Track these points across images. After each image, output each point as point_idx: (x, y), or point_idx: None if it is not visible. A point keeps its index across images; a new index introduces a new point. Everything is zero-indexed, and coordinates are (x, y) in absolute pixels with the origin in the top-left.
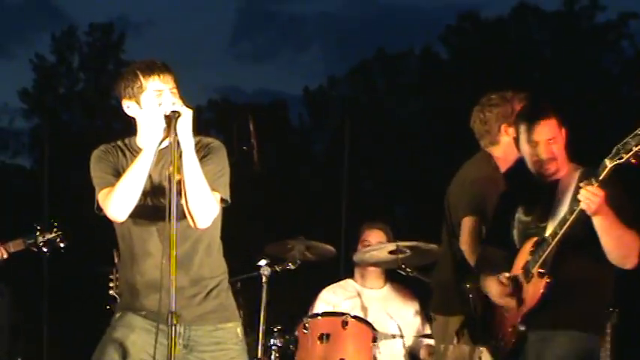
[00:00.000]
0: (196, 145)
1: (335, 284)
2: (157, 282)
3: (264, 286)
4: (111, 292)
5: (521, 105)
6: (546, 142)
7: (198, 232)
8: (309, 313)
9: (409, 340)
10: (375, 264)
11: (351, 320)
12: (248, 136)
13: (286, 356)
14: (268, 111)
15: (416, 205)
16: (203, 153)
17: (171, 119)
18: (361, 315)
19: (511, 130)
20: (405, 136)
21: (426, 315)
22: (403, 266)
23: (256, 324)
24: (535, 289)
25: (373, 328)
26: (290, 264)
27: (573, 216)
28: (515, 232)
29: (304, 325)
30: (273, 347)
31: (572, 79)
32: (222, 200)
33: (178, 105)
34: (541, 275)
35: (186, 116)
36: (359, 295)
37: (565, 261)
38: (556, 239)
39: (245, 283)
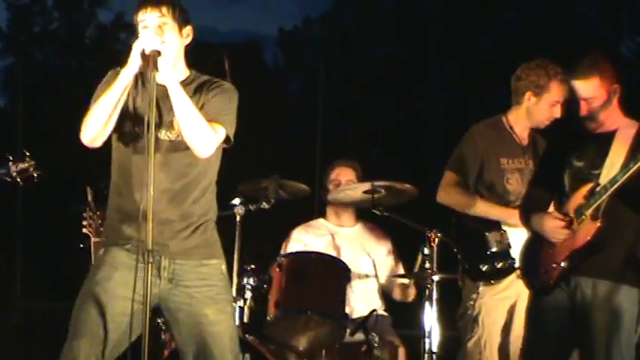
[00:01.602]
0: (207, 83)
1: (306, 224)
2: (147, 212)
3: (238, 225)
4: (84, 230)
5: (556, 81)
6: (582, 101)
7: (200, 169)
8: (282, 253)
9: (382, 280)
10: (349, 203)
11: (324, 259)
12: (223, 75)
13: (260, 295)
14: (243, 51)
15: (390, 149)
16: (213, 92)
17: (149, 57)
18: (334, 254)
19: (534, 100)
20: (380, 79)
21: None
22: (378, 206)
23: (230, 264)
24: (585, 231)
25: (346, 268)
26: (264, 203)
27: (638, 165)
28: (566, 176)
29: (278, 265)
30: (247, 287)
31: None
32: (226, 139)
33: (158, 43)
34: (593, 218)
35: (167, 55)
36: (331, 234)
37: (619, 209)
38: (616, 186)
39: (218, 223)
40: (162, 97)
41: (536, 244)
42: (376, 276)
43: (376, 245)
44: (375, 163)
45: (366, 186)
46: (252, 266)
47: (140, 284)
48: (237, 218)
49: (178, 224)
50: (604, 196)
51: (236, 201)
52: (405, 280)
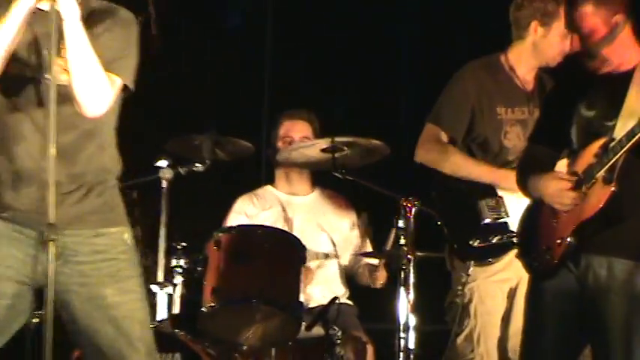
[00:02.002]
0: (98, 11)
1: (251, 192)
2: (29, 173)
3: (165, 193)
4: None
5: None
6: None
7: (89, 122)
8: (222, 227)
9: (345, 260)
10: (304, 165)
11: (272, 235)
12: (144, 2)
13: (193, 280)
14: None
15: (357, 98)
16: (106, 24)
17: None
18: (285, 228)
19: (541, 31)
20: (344, 10)
21: None
22: (339, 168)
23: (155, 241)
24: (596, 198)
25: (300, 245)
26: (197, 165)
27: None
28: (574, 130)
29: (215, 242)
30: (177, 269)
31: None
32: (124, 88)
33: None
34: (606, 181)
35: None
36: (282, 204)
37: (638, 170)
38: (634, 140)
39: (142, 192)
40: (49, 32)
41: (537, 213)
42: (337, 255)
43: (337, 217)
44: (337, 116)
45: (325, 143)
46: (184, 244)
47: (20, 261)
48: (164, 184)
49: (67, 186)
50: (619, 154)
51: (162, 163)
52: (374, 261)
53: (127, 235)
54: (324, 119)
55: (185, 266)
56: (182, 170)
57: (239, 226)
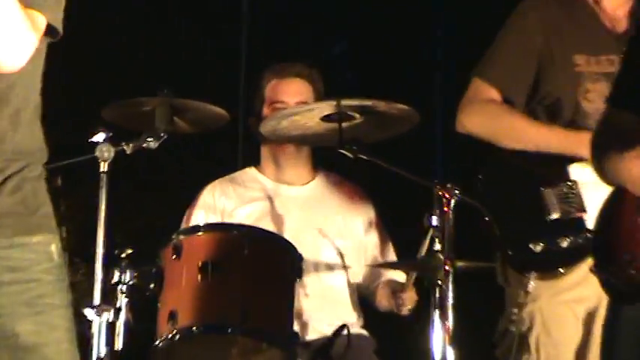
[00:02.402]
0: None
1: (226, 177)
2: None
3: (104, 178)
4: None
5: None
6: None
7: (8, 83)
8: (183, 228)
9: (359, 275)
10: (299, 139)
11: (255, 239)
12: None
13: (143, 301)
14: None
15: (362, 42)
16: None
17: None
18: (273, 229)
19: None
20: None
21: None
22: (349, 144)
23: (87, 245)
24: None
25: (295, 253)
26: (148, 139)
27: None
28: None
29: (174, 248)
30: (121, 286)
31: None
32: (49, 30)
33: None
34: None
35: None
36: (269, 195)
37: None
38: None
39: (70, 177)
40: None
41: (619, 207)
42: (346, 267)
43: (347, 214)
44: (344, 73)
45: (329, 107)
46: (129, 251)
47: None
48: (102, 167)
49: None
50: None
51: (98, 137)
52: (399, 275)
53: (55, 247)
54: (327, 78)
55: (132, 282)
56: (127, 147)
57: (207, 225)
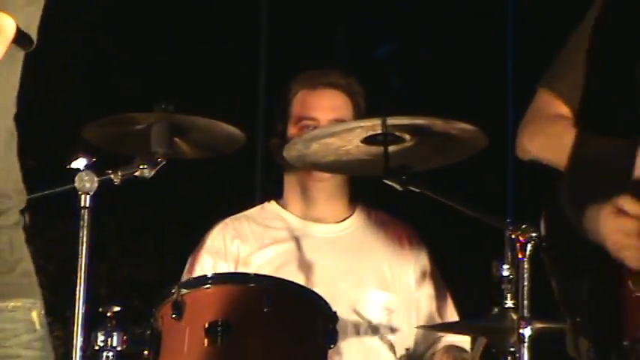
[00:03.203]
0: None
1: (240, 215)
2: None
3: (84, 216)
4: None
5: None
6: None
7: None
8: (186, 279)
9: (408, 337)
10: (333, 167)
11: (277, 291)
12: None
13: None
14: None
15: (414, 43)
16: None
17: None
18: (300, 280)
19: None
20: None
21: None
22: (396, 173)
23: (70, 302)
24: None
25: (330, 312)
26: (142, 166)
27: None
28: None
29: (173, 306)
30: (108, 353)
31: None
32: (20, 36)
33: None
34: None
35: None
36: (294, 236)
37: None
38: None
39: (42, 213)
40: None
41: (611, 280)
42: (393, 329)
43: (395, 260)
44: (390, 85)
45: (372, 127)
46: (117, 309)
47: None
48: (83, 200)
49: None
50: None
51: (79, 163)
52: (461, 339)
53: (37, 315)
54: (370, 89)
55: (120, 348)
56: (115, 176)
57: (216, 275)
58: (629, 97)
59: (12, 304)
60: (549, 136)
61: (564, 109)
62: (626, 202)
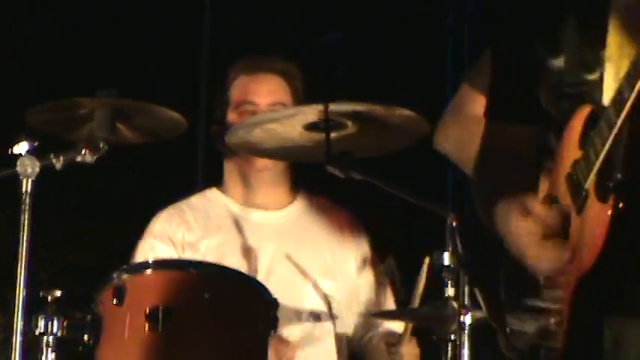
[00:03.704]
0: None
1: (182, 202)
2: None
3: (26, 201)
4: None
5: None
6: None
7: None
8: (129, 264)
9: (348, 324)
10: (275, 153)
11: (219, 278)
12: None
13: (75, 356)
14: None
15: (358, 30)
16: None
17: None
18: (243, 268)
19: None
20: None
21: None
22: (338, 159)
23: (8, 289)
24: (594, 224)
25: (270, 299)
26: (84, 152)
27: None
28: (543, 94)
29: (115, 291)
30: (48, 338)
31: None
32: None
33: None
34: (601, 196)
35: None
36: (236, 223)
37: None
38: (627, 106)
39: None
40: None
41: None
42: (334, 317)
43: (336, 247)
44: (332, 70)
45: (314, 113)
46: (58, 294)
47: None
48: (24, 185)
49: None
50: (610, 137)
51: (21, 147)
52: (396, 326)
53: None
54: (313, 75)
55: (61, 334)
56: (57, 161)
57: (157, 261)
58: (530, 83)
59: None
60: (463, 138)
61: (483, 102)
62: (532, 203)
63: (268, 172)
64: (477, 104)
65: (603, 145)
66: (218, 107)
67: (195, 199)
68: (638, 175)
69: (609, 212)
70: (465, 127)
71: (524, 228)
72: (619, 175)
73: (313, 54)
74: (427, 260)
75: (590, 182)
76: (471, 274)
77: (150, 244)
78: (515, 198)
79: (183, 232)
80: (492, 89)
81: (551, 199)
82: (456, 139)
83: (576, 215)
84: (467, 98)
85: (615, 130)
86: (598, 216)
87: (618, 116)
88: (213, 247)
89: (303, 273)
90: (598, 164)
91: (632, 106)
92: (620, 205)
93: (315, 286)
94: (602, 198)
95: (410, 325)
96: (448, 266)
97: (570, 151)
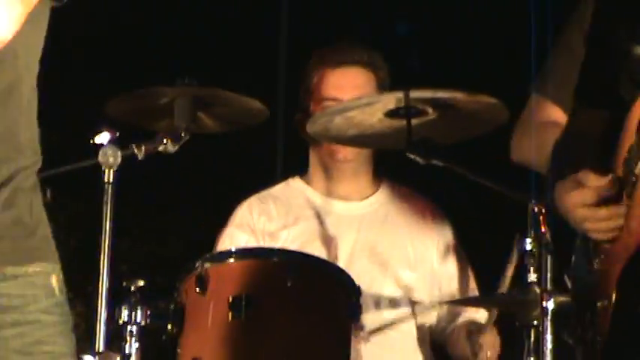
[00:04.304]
0: None
1: (264, 192)
2: None
3: (108, 191)
4: None
5: None
6: None
7: None
8: (211, 253)
9: (430, 314)
10: (356, 141)
11: (301, 266)
12: None
13: (159, 345)
14: None
15: (431, 22)
16: None
17: None
18: (324, 256)
19: None
20: None
21: None
22: (419, 146)
23: (90, 279)
24: (637, 215)
25: (353, 287)
26: (166, 141)
27: None
28: (623, 81)
29: (198, 279)
30: (131, 327)
31: None
32: None
33: None
34: None
35: None
36: (317, 213)
37: None
38: None
39: (64, 189)
40: None
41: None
42: (412, 304)
43: (418, 237)
44: (413, 60)
45: (394, 99)
46: (141, 283)
47: None
48: (107, 175)
49: None
50: None
51: (102, 138)
52: (482, 315)
53: (56, 280)
54: (390, 65)
55: (144, 323)
56: (138, 151)
57: (240, 250)
58: (612, 70)
59: (32, 269)
60: (539, 144)
61: (554, 111)
62: (586, 176)
63: (350, 164)
64: (547, 111)
65: None
66: (301, 96)
67: (279, 189)
68: None
69: None
70: (540, 132)
71: (578, 199)
72: None
73: (388, 43)
74: (513, 258)
75: (639, 168)
76: (558, 259)
77: (231, 233)
78: (573, 175)
79: (264, 222)
80: (580, 85)
81: (611, 174)
82: (532, 145)
83: (627, 199)
84: (537, 107)
85: None
86: None
87: None
88: (294, 236)
89: (384, 264)
90: None
91: None
92: None
93: (396, 277)
94: None
95: (494, 315)
96: (531, 251)
97: (629, 136)
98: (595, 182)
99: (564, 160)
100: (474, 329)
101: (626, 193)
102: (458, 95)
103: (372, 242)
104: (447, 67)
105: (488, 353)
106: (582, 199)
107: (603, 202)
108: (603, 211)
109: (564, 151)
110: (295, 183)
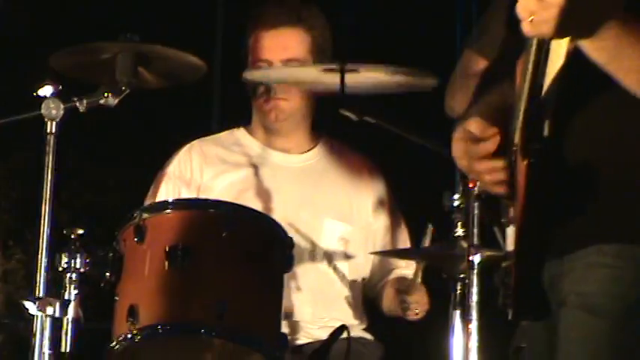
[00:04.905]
0: None
1: (209, 137)
2: None
3: (50, 142)
4: None
5: None
6: None
7: None
8: (147, 204)
9: (363, 266)
10: (292, 84)
11: (236, 217)
12: None
13: (97, 294)
14: None
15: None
16: None
17: None
18: (258, 206)
19: None
20: None
21: None
22: (353, 105)
23: (29, 227)
24: (520, 174)
25: (285, 238)
26: (107, 94)
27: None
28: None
29: (135, 229)
30: (71, 274)
31: None
32: None
33: None
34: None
35: None
36: (254, 163)
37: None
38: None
39: (5, 139)
40: None
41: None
42: (348, 257)
43: (354, 191)
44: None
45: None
46: (80, 231)
47: None
48: (49, 127)
49: None
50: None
51: (45, 90)
52: (409, 269)
53: None
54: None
55: (83, 270)
56: (80, 103)
57: (177, 201)
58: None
59: None
60: (467, 94)
61: (484, 64)
62: (473, 125)
63: (286, 123)
64: (479, 63)
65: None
66: (243, 54)
67: (222, 135)
68: (540, 133)
69: (525, 163)
70: (470, 84)
71: (460, 149)
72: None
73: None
74: (430, 229)
75: (519, 122)
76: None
77: (167, 183)
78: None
79: (200, 170)
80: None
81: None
82: (464, 100)
83: (520, 160)
84: (469, 60)
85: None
86: (520, 166)
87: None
88: (231, 183)
89: (320, 216)
90: (522, 112)
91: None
92: (529, 160)
93: (332, 230)
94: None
95: (419, 272)
96: (458, 207)
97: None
98: (478, 132)
99: (472, 107)
100: (403, 288)
101: (516, 154)
102: (382, 77)
103: (308, 195)
104: (381, 29)
105: (417, 310)
106: (463, 150)
107: (485, 154)
108: (479, 165)
109: (475, 97)
110: (239, 132)
